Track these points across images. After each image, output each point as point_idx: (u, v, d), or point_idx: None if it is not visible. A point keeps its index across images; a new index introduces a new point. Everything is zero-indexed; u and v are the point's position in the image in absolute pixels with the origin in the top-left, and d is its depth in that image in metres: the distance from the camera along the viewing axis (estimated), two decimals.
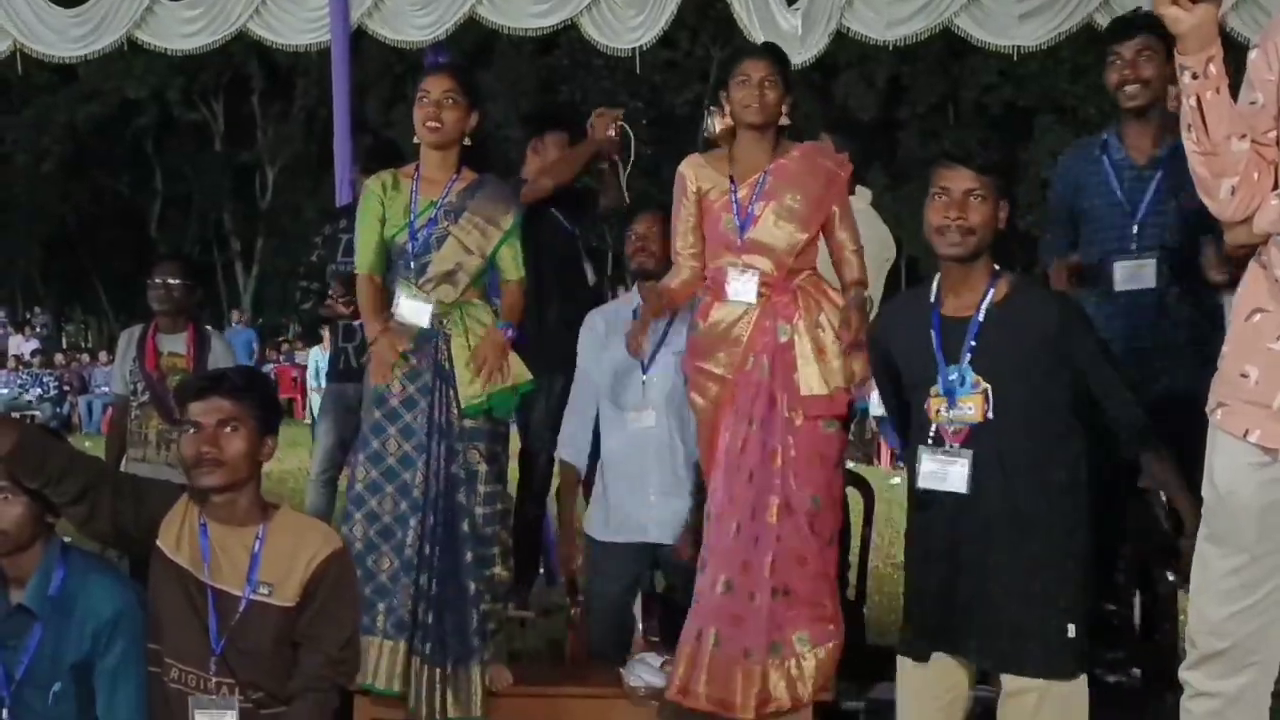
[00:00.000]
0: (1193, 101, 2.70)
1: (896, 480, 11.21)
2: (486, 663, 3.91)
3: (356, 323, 5.40)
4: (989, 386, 3.23)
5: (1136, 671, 4.24)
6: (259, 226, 31.04)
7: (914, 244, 26.62)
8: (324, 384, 7.39)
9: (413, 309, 3.97)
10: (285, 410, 20.04)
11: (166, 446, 4.86)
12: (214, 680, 3.17)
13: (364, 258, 4.08)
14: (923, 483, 3.28)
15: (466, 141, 4.05)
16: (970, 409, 3.24)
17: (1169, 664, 3.05)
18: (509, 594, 4.21)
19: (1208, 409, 2.87)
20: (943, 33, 6.40)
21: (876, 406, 5.58)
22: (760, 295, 3.89)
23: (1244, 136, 2.73)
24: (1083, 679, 3.23)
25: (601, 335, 4.41)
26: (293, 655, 3.21)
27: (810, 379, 3.86)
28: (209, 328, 5.52)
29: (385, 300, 4.06)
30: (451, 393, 3.94)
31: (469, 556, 3.91)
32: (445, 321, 3.97)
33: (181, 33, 6.63)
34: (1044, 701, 3.17)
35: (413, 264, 4.00)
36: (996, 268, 3.31)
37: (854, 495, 4.52)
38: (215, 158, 30.88)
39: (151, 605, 3.21)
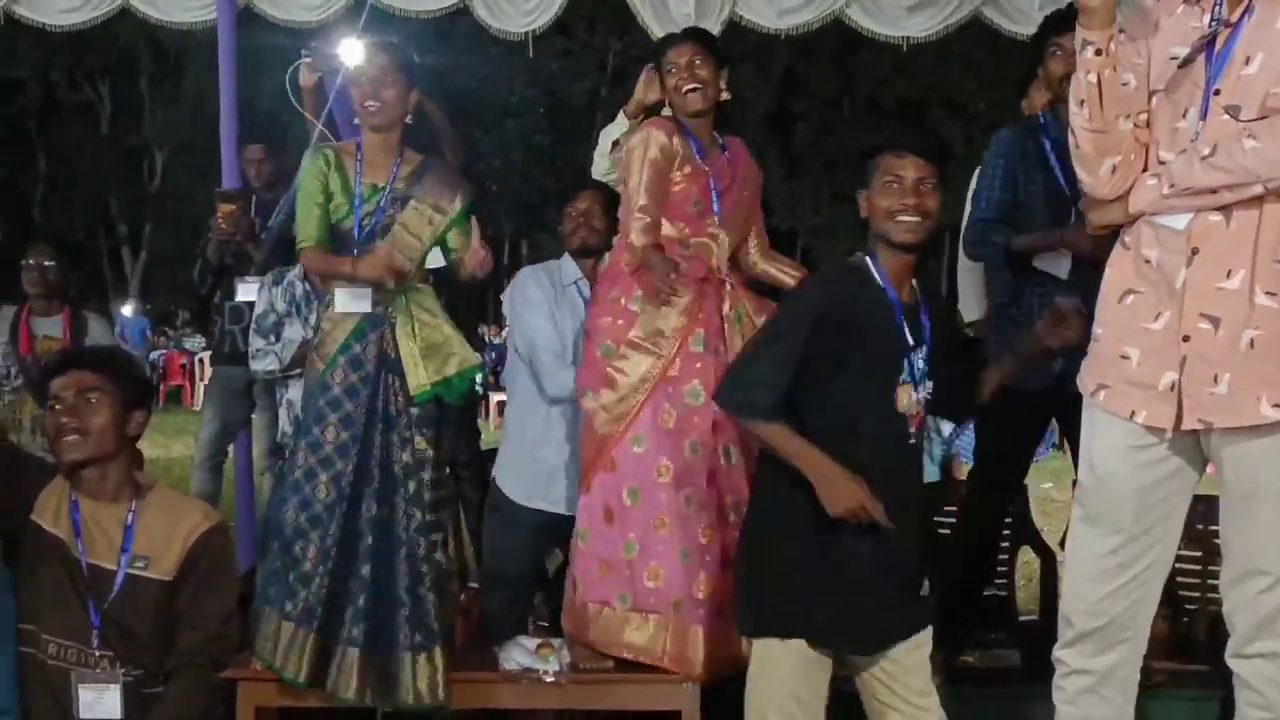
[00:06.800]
0: (1093, 78, 2.75)
1: None
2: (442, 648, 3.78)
3: (242, 303, 5.31)
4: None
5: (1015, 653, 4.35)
6: (147, 210, 30.41)
7: (808, 235, 27.05)
8: None
9: (350, 297, 3.81)
10: (174, 397, 19.81)
11: (42, 431, 4.74)
12: (97, 654, 3.13)
13: (308, 231, 3.85)
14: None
15: (408, 120, 3.91)
16: (927, 394, 3.07)
17: (1045, 644, 3.09)
18: (450, 580, 4.02)
19: (1085, 390, 2.92)
20: (836, 25, 6.46)
21: None
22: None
23: (1129, 117, 2.79)
24: None
25: (549, 290, 4.37)
26: (171, 634, 3.16)
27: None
28: (87, 311, 5.39)
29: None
30: (398, 381, 3.81)
31: (421, 545, 3.79)
32: (390, 309, 3.83)
33: (60, 7, 6.44)
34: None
35: (356, 250, 3.83)
36: None
37: None
38: (102, 140, 30.14)
39: (26, 585, 3.15)
